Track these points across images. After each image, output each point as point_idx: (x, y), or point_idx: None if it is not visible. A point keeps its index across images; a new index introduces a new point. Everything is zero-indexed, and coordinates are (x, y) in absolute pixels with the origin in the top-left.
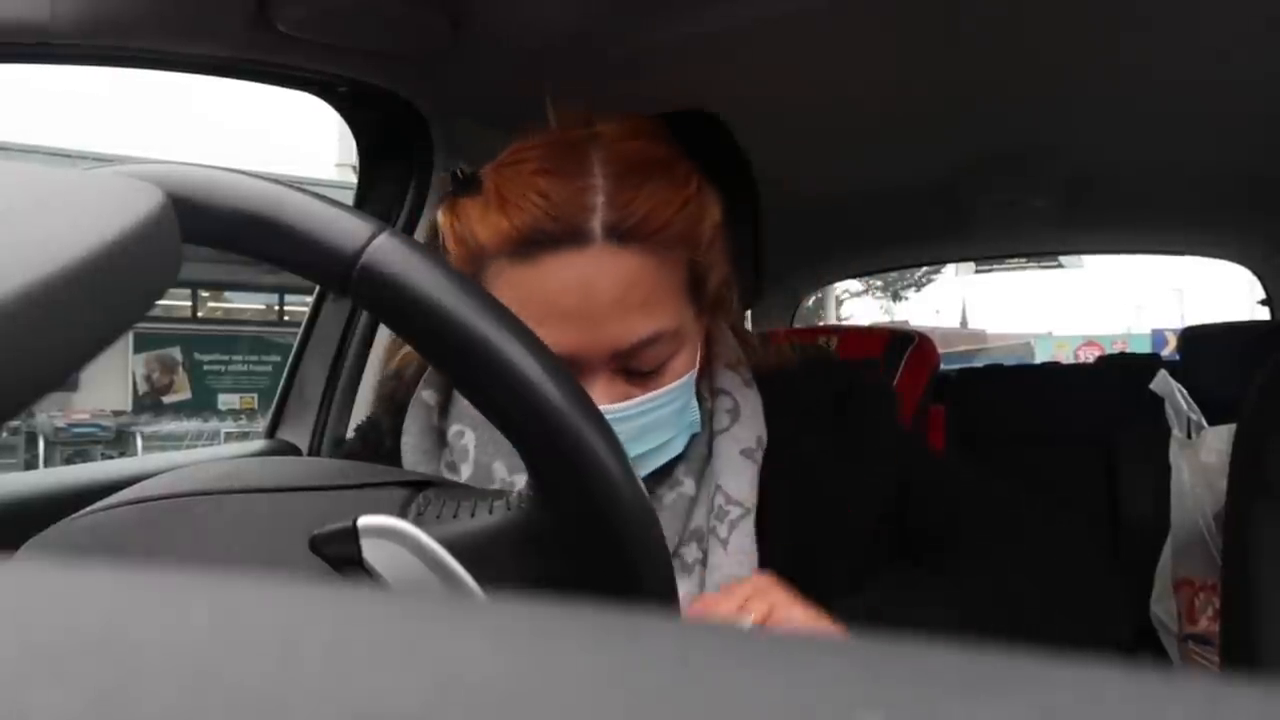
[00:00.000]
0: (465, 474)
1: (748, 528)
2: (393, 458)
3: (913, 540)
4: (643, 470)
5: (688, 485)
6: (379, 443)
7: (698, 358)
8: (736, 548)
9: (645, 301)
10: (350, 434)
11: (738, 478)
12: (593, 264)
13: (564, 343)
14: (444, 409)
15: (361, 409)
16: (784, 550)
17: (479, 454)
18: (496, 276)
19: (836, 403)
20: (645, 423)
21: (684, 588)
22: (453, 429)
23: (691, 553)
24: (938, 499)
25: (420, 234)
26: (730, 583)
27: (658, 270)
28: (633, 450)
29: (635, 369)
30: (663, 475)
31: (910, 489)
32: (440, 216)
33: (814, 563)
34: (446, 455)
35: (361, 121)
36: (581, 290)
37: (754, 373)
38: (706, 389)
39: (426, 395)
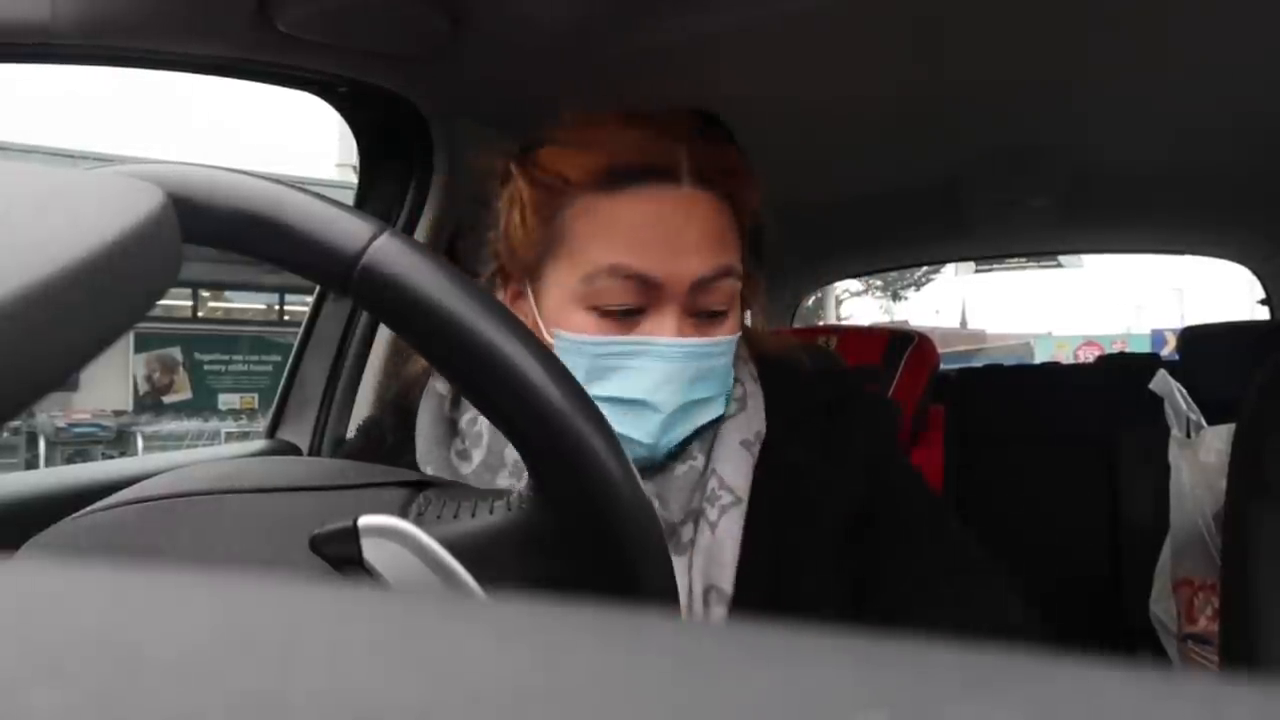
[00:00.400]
0: (476, 459)
1: (737, 515)
2: (394, 455)
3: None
4: (690, 425)
5: (699, 460)
6: (381, 439)
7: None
8: (724, 532)
9: (722, 240)
10: (350, 434)
11: (734, 466)
12: (681, 200)
13: (652, 268)
14: (456, 400)
15: (362, 409)
16: (765, 546)
17: (493, 439)
18: (581, 211)
19: (832, 407)
20: (704, 367)
21: (678, 567)
22: (465, 416)
23: (688, 531)
24: (890, 531)
25: (421, 234)
26: (709, 565)
27: (731, 219)
28: (687, 395)
29: (705, 308)
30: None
31: (875, 505)
32: (510, 167)
33: (791, 561)
34: (457, 444)
35: (361, 121)
36: (671, 221)
37: (759, 366)
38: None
39: (440, 385)
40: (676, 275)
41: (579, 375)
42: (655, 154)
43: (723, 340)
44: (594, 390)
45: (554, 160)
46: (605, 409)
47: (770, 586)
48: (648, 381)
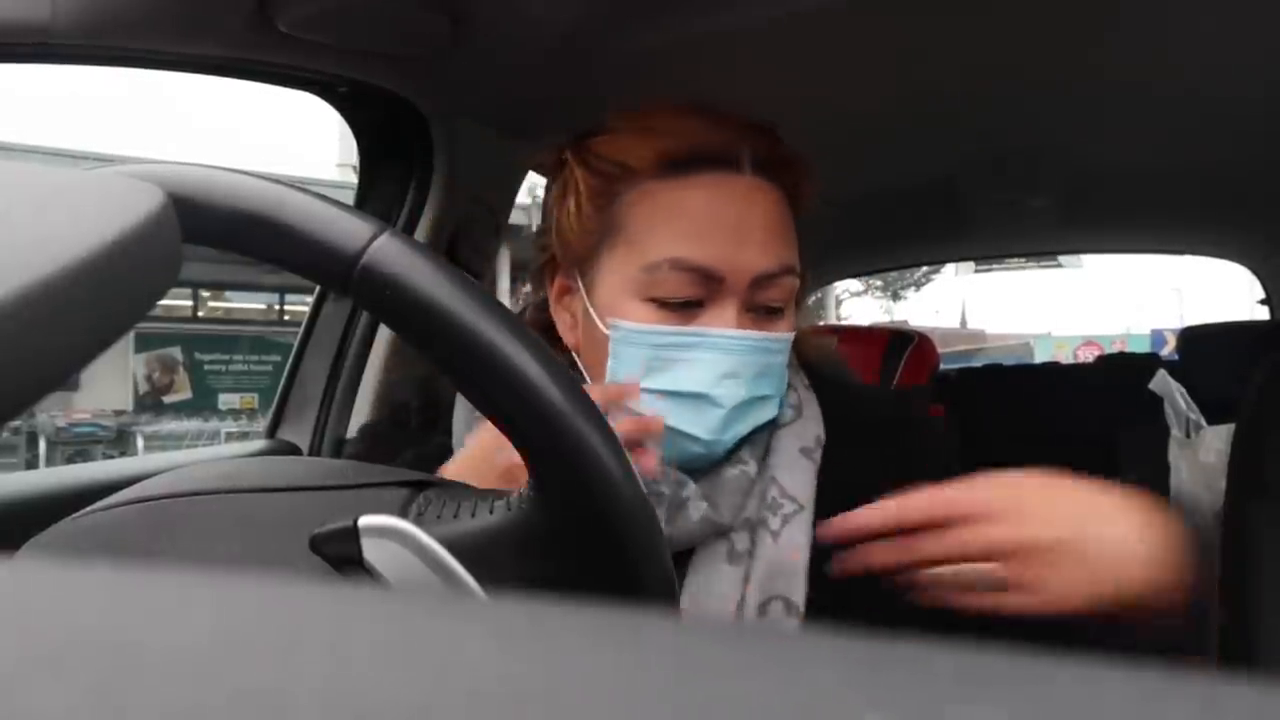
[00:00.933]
0: None
1: (802, 524)
2: (420, 435)
3: None
4: (748, 424)
5: (750, 465)
6: (405, 421)
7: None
8: (789, 542)
9: (784, 234)
10: (350, 435)
11: (794, 474)
12: (743, 189)
13: (714, 261)
14: None
15: (362, 409)
16: (831, 555)
17: None
18: (640, 198)
19: (893, 424)
20: (764, 363)
21: (731, 577)
22: None
23: (742, 540)
24: None
25: (421, 234)
26: (772, 574)
27: (789, 213)
28: (749, 391)
29: (764, 304)
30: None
31: None
32: (565, 155)
33: (861, 580)
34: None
35: (361, 121)
36: (733, 211)
37: (809, 374)
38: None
39: None
40: (739, 269)
41: (636, 367)
42: (717, 141)
43: (782, 337)
44: (652, 383)
45: (612, 147)
46: (664, 403)
47: (841, 597)
48: (709, 375)
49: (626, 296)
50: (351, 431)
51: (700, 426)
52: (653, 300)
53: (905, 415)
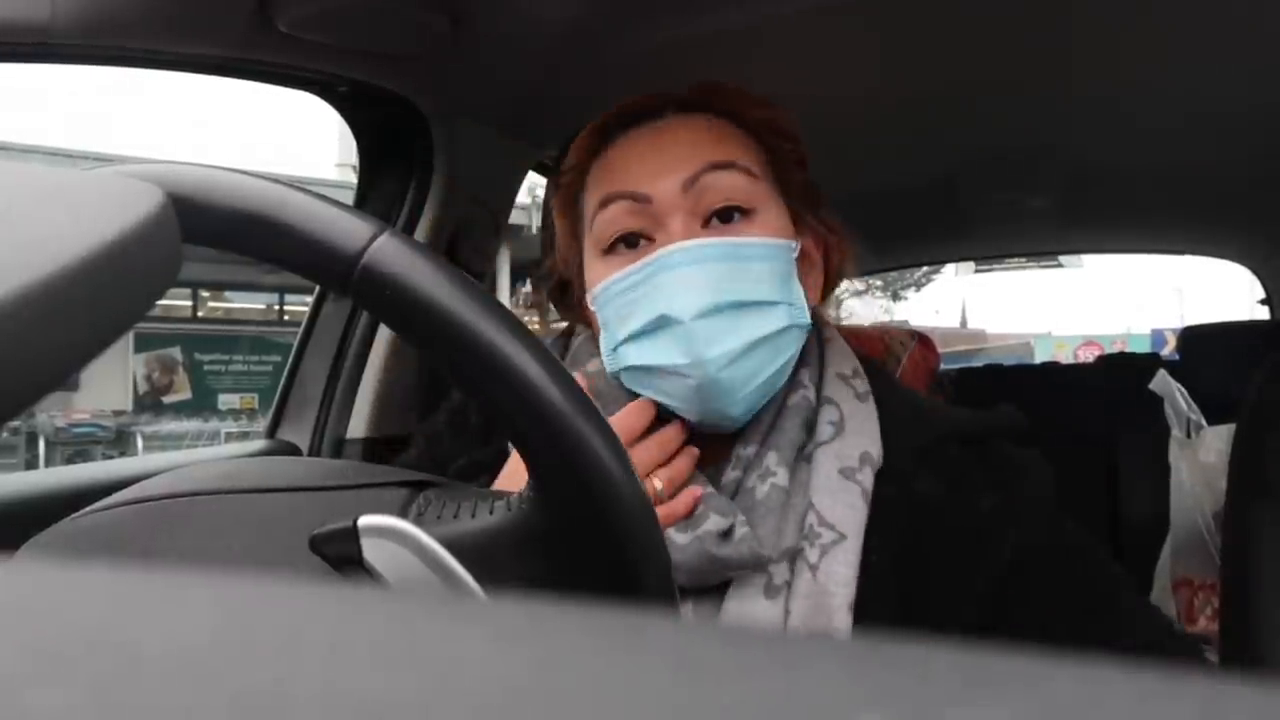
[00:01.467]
0: None
1: (844, 555)
2: (483, 436)
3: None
4: (739, 337)
5: (781, 476)
6: (464, 422)
7: (799, 243)
8: (829, 575)
9: (714, 142)
10: (350, 435)
11: (833, 498)
12: (663, 128)
13: (636, 179)
14: None
15: (362, 409)
16: (888, 590)
17: None
18: (588, 183)
19: (970, 440)
20: (731, 269)
21: (770, 612)
22: None
23: (781, 573)
24: (1048, 582)
25: (421, 234)
26: (814, 612)
27: (730, 129)
28: (713, 298)
29: (712, 207)
30: (750, 461)
31: (1026, 561)
32: (546, 195)
33: (921, 608)
34: None
35: (361, 121)
36: (653, 144)
37: (874, 385)
38: (814, 392)
39: None
40: (662, 183)
41: (615, 325)
42: (641, 103)
43: (749, 240)
44: (628, 330)
45: (568, 154)
46: (643, 346)
47: (889, 632)
48: (665, 295)
49: (591, 266)
50: (352, 432)
51: (673, 353)
52: (606, 253)
53: (984, 430)
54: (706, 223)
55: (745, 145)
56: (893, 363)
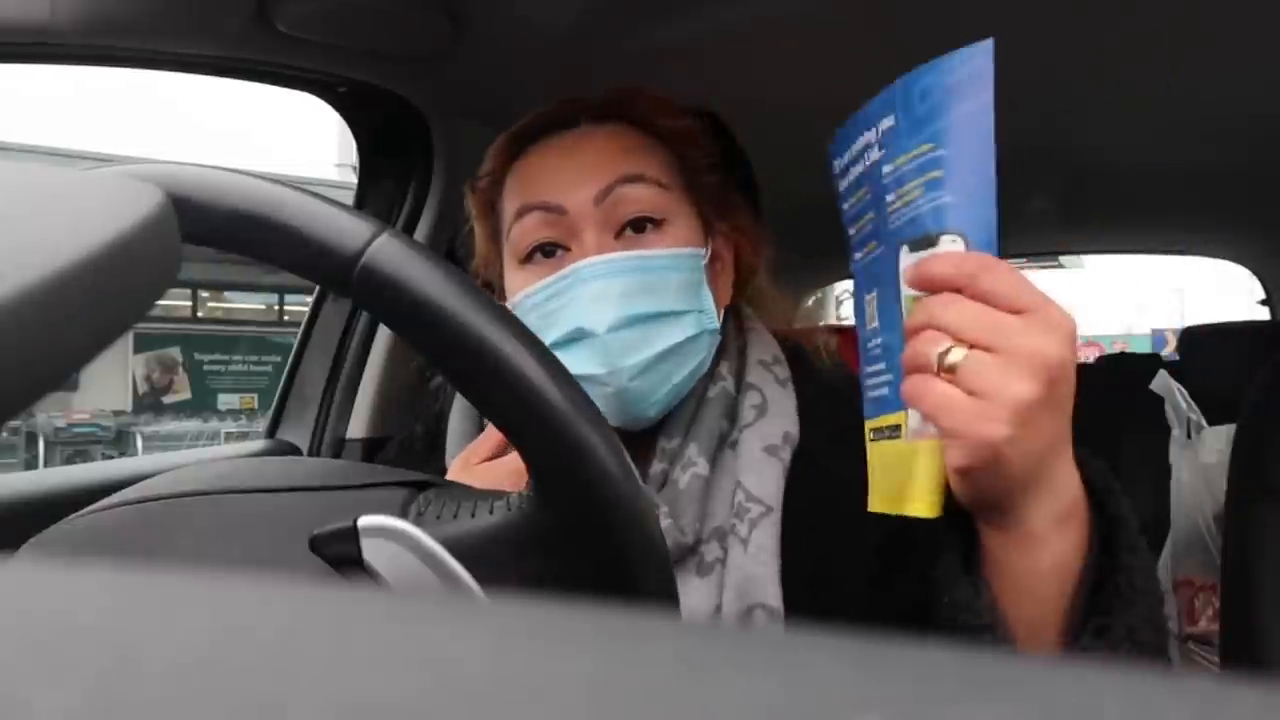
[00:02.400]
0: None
1: (769, 526)
2: (424, 458)
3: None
4: (649, 348)
5: (701, 465)
6: (412, 444)
7: (708, 249)
8: (758, 546)
9: (624, 153)
10: (350, 435)
11: (759, 475)
12: (576, 137)
13: (550, 195)
14: None
15: (362, 409)
16: (806, 556)
17: None
18: (505, 191)
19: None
20: (642, 281)
21: (702, 590)
22: None
23: (712, 551)
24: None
25: (421, 234)
26: (747, 582)
27: (640, 139)
28: (624, 310)
29: (624, 219)
30: (674, 454)
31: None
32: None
33: (838, 572)
34: None
35: (361, 121)
36: (565, 153)
37: (795, 374)
38: (734, 382)
39: None
40: (575, 195)
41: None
42: (554, 112)
43: (658, 253)
44: (546, 341)
45: (484, 161)
46: (561, 356)
47: (820, 598)
48: (579, 308)
49: (508, 278)
50: (352, 432)
51: (590, 364)
52: (523, 264)
53: None
54: (619, 233)
55: (655, 155)
56: (818, 354)
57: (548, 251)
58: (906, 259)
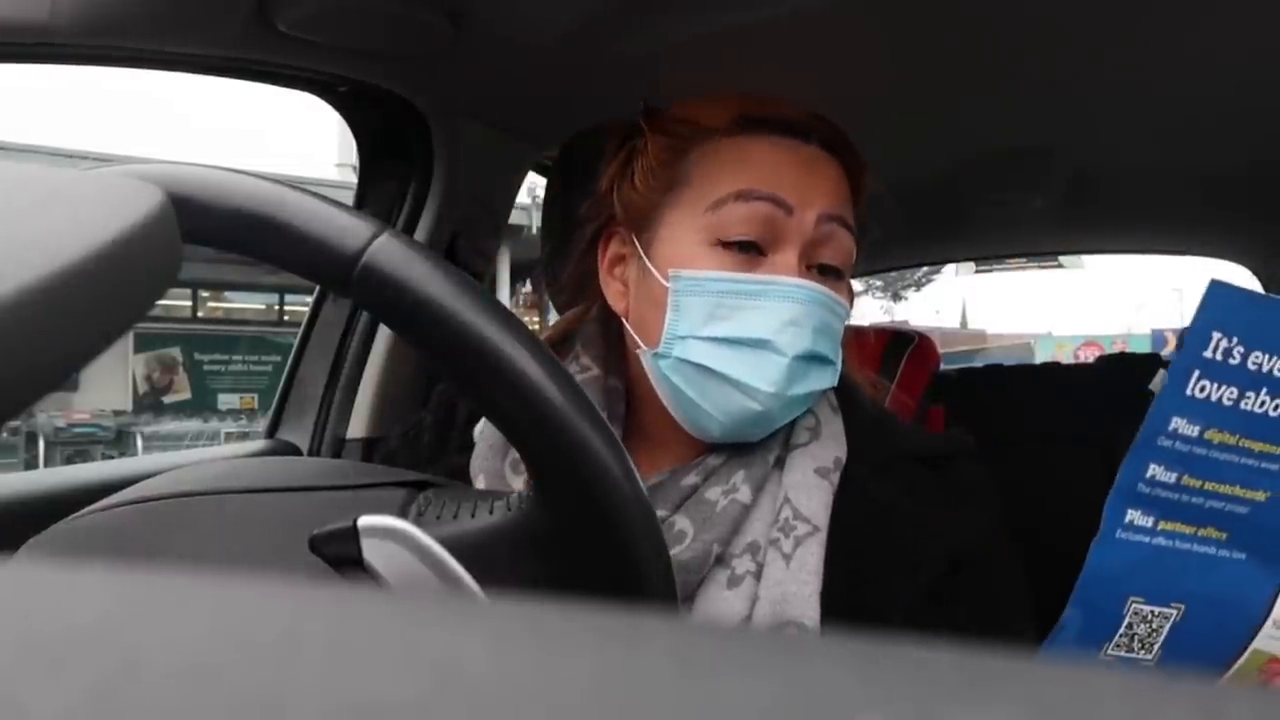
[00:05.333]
0: None
1: (815, 546)
2: (432, 456)
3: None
4: (806, 385)
5: (743, 493)
6: (418, 438)
7: (850, 309)
8: (801, 565)
9: (846, 197)
10: (350, 435)
11: (809, 495)
12: (812, 154)
13: (783, 188)
14: None
15: (362, 409)
16: (847, 579)
17: None
18: (710, 151)
19: (934, 461)
20: (826, 319)
21: (731, 601)
22: None
23: (744, 564)
24: (977, 590)
25: (421, 234)
26: (785, 598)
27: (849, 191)
28: (812, 344)
29: (822, 260)
30: (713, 471)
31: (960, 564)
32: (640, 123)
33: (876, 598)
34: (513, 451)
35: (361, 121)
36: (802, 161)
37: (840, 400)
38: None
39: None
40: (806, 204)
41: (696, 317)
42: (788, 111)
43: (842, 301)
44: (712, 331)
45: (685, 110)
46: (725, 351)
47: (855, 624)
48: (773, 322)
49: (690, 242)
50: (352, 432)
51: (763, 377)
52: (718, 243)
53: (949, 452)
54: (810, 265)
55: (853, 208)
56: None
57: (746, 246)
58: None
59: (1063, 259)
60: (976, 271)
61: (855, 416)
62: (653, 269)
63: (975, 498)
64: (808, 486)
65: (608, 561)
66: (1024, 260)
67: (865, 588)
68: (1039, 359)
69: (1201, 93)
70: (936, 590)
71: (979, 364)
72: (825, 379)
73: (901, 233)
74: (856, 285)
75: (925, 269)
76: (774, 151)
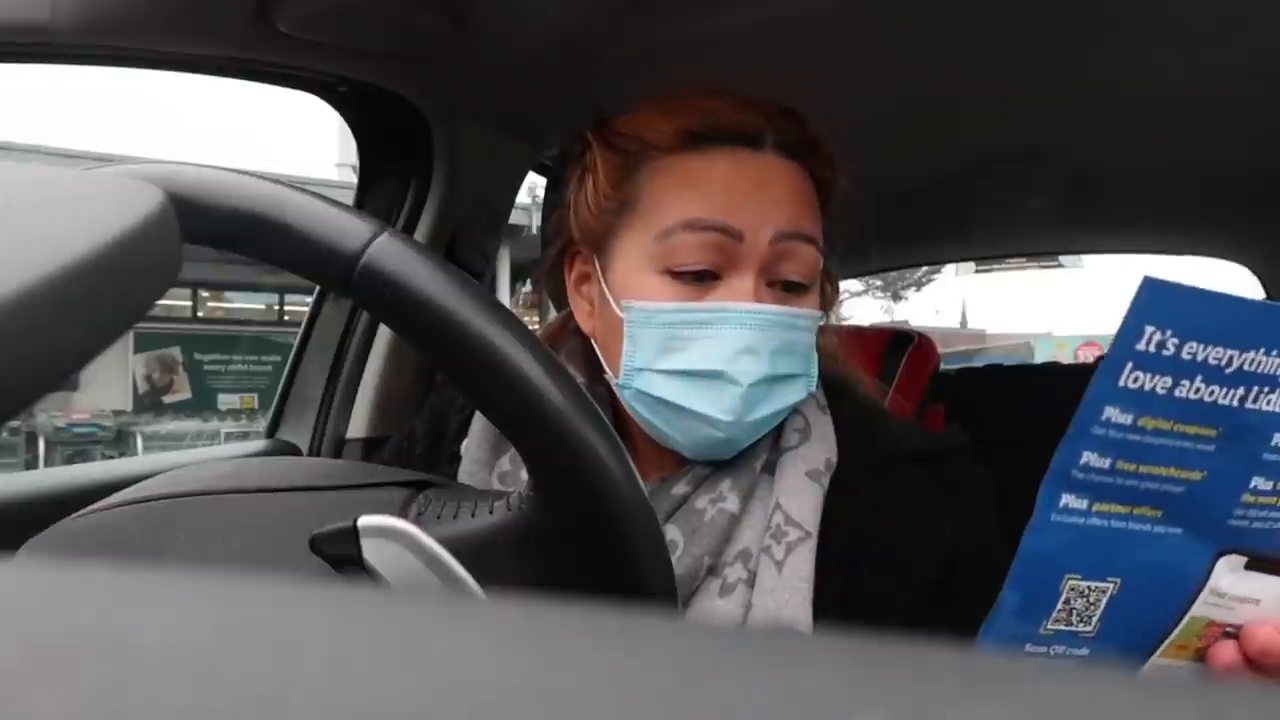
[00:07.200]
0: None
1: (806, 552)
2: (422, 465)
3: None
4: (772, 406)
5: (730, 501)
6: (410, 451)
7: (822, 316)
8: (793, 572)
9: (806, 205)
10: (350, 435)
11: (800, 499)
12: (766, 165)
13: (731, 218)
14: None
15: (362, 409)
16: (839, 585)
17: None
18: (658, 171)
19: (927, 459)
20: (786, 339)
21: (724, 610)
22: None
23: (736, 572)
24: (973, 589)
25: (421, 234)
26: (778, 605)
27: (814, 192)
28: (769, 368)
29: (783, 276)
30: (702, 480)
31: (956, 563)
32: (586, 136)
33: (871, 603)
34: (502, 464)
35: (361, 121)
36: (753, 177)
37: (829, 398)
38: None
39: None
40: (757, 226)
41: (650, 349)
42: (738, 119)
43: (805, 313)
44: (667, 364)
45: (631, 124)
46: (680, 384)
47: (849, 628)
48: (726, 351)
49: (642, 271)
50: (352, 432)
51: (720, 407)
52: (668, 272)
53: (943, 450)
54: (770, 282)
55: (818, 214)
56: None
57: (698, 275)
58: (1232, 575)
59: (1062, 259)
60: (976, 271)
61: (845, 415)
62: (610, 297)
63: (971, 496)
64: (799, 491)
65: (608, 561)
66: (1024, 260)
67: (859, 590)
68: (1039, 359)
69: (1201, 93)
70: (932, 590)
71: (979, 364)
72: (793, 394)
73: (901, 233)
74: (856, 285)
75: (925, 269)
76: (724, 168)
